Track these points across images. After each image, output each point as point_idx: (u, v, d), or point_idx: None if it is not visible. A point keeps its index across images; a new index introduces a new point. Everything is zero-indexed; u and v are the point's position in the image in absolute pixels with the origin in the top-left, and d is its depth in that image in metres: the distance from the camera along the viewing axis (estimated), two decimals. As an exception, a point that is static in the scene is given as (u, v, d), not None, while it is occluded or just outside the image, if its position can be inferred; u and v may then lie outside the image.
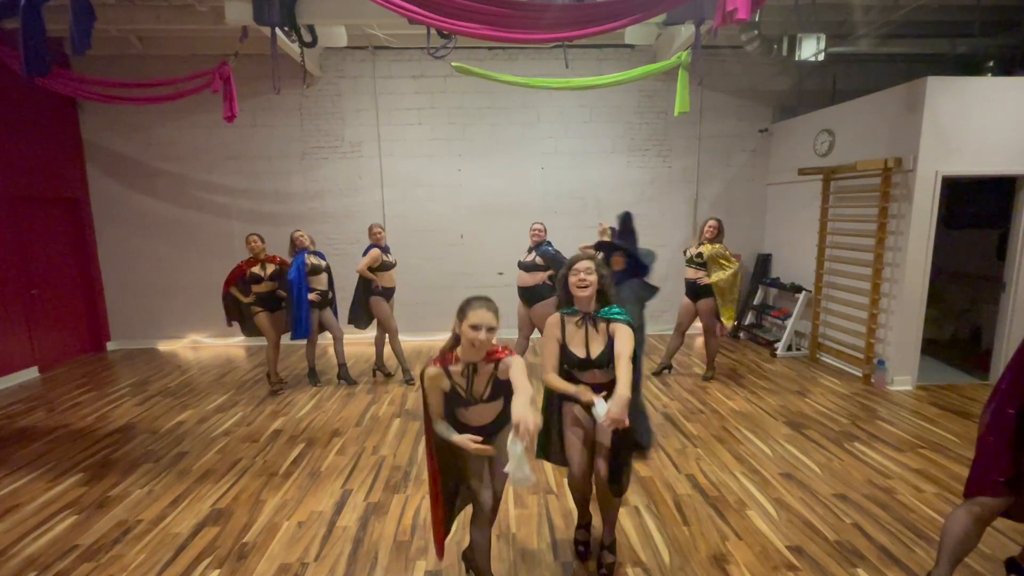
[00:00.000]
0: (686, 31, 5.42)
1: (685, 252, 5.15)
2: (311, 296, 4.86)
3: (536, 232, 4.92)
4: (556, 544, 2.70)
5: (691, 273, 5.02)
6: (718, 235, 4.93)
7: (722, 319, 5.01)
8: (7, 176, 5.57)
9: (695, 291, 5.02)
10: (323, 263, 5.04)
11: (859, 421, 4.19)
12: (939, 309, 5.98)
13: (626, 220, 3.57)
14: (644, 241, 7.57)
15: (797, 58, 5.36)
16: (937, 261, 4.84)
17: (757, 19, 5.08)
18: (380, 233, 5.03)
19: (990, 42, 5.32)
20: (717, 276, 4.85)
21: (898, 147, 4.78)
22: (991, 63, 5.38)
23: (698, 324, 5.24)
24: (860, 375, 5.16)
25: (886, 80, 5.32)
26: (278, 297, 4.96)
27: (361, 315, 5.14)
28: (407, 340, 6.50)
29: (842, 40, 5.33)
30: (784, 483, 3.26)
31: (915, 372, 4.90)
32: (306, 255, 4.87)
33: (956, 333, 6.34)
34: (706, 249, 4.88)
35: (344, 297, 5.72)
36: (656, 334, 7.12)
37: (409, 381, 5.27)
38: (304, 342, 5.15)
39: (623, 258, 3.38)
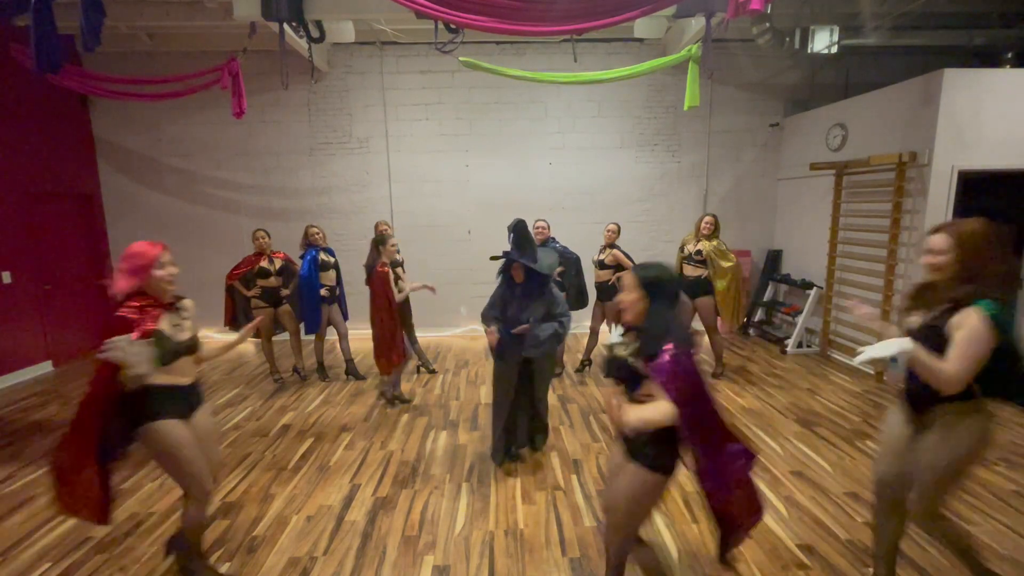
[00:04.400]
0: (696, 24, 5.35)
1: (682, 249, 5.06)
2: (321, 292, 4.88)
3: (540, 230, 4.86)
4: (564, 540, 2.69)
5: (690, 271, 4.94)
6: (715, 231, 4.89)
7: (722, 317, 5.00)
8: (20, 172, 5.63)
9: (694, 289, 4.95)
10: (332, 259, 5.05)
11: (871, 419, 4.14)
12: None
13: (519, 229, 3.23)
14: (652, 236, 7.44)
15: (809, 51, 5.28)
16: (952, 257, 4.76)
17: (769, 11, 5.01)
18: (387, 230, 5.04)
19: (1009, 33, 5.20)
20: (721, 284, 4.87)
21: (913, 141, 4.70)
22: (1010, 55, 5.27)
23: (701, 321, 5.21)
24: (872, 372, 5.09)
25: (901, 73, 5.23)
26: (281, 294, 4.98)
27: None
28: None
29: (856, 32, 5.24)
30: (795, 481, 3.23)
31: (928, 370, 4.82)
32: (318, 251, 4.90)
33: (971, 330, 6.24)
34: (705, 246, 4.84)
35: (351, 292, 5.74)
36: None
37: (432, 371, 5.47)
38: (312, 337, 5.18)
39: (522, 270, 3.25)
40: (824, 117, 5.97)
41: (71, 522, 2.91)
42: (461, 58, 4.54)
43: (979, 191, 5.84)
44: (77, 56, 6.17)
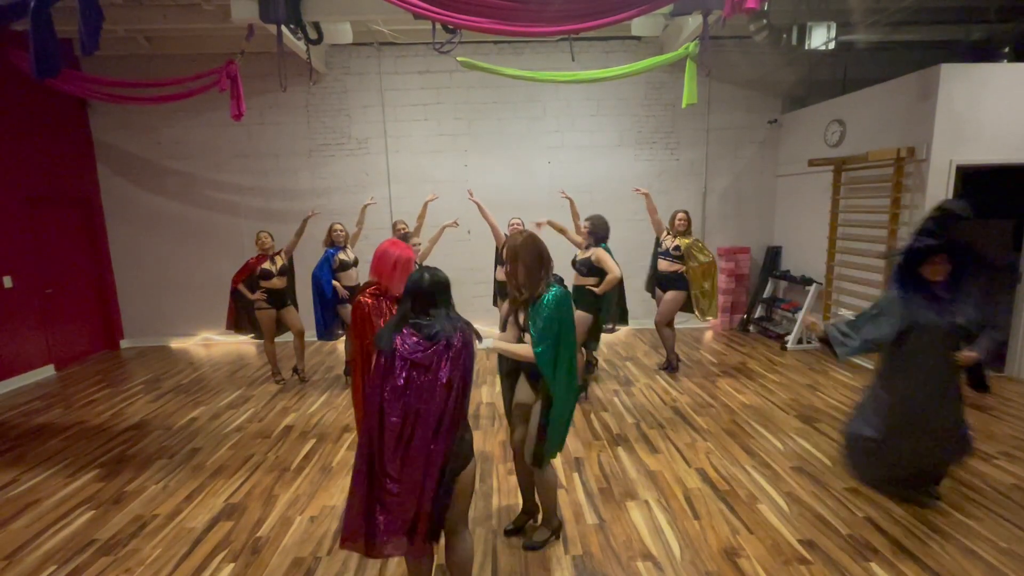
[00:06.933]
0: (693, 22, 5.35)
1: (659, 244, 5.17)
2: (341, 293, 4.85)
3: (514, 227, 4.85)
4: (566, 538, 2.71)
5: (665, 265, 5.06)
6: (689, 227, 5.02)
7: (698, 313, 5.04)
8: (20, 177, 5.64)
9: (666, 283, 5.08)
10: (351, 258, 5.00)
11: (871, 414, 4.15)
12: (953, 301, 5.88)
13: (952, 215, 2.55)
14: (651, 235, 7.42)
15: (807, 47, 5.28)
16: (951, 252, 4.76)
17: (766, 8, 5.01)
18: (405, 228, 5.05)
19: (1005, 27, 5.21)
20: (700, 278, 4.96)
21: (911, 136, 4.70)
22: (1007, 49, 5.27)
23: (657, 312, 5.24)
24: (872, 368, 5.10)
25: (898, 68, 5.23)
26: (285, 295, 4.99)
27: None
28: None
29: (853, 28, 5.24)
30: (795, 477, 3.25)
31: (928, 364, 4.83)
32: (338, 252, 4.88)
33: (970, 325, 6.24)
34: (683, 242, 4.95)
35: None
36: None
37: None
38: (312, 339, 5.18)
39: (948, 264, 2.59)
40: (822, 113, 5.98)
41: (75, 525, 2.94)
42: (459, 58, 4.55)
43: (977, 185, 5.85)
44: (76, 60, 6.18)
